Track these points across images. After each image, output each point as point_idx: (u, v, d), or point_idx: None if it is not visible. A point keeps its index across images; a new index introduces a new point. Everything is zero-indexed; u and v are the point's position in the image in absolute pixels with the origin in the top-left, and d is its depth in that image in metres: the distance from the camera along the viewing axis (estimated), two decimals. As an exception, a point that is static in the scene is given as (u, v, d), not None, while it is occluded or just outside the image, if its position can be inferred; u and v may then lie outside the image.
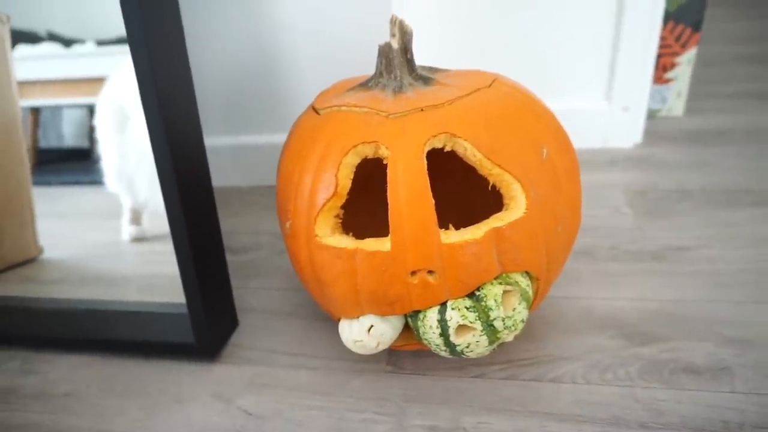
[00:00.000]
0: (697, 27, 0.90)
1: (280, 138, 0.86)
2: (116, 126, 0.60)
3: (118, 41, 0.58)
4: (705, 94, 1.07)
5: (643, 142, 0.90)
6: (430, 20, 0.84)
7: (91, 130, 0.62)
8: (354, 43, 0.78)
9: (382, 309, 0.43)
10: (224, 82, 0.86)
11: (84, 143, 0.63)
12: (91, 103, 0.61)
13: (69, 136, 0.63)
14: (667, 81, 0.95)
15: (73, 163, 0.64)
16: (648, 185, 0.78)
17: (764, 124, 0.93)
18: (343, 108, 0.45)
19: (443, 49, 0.86)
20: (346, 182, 0.43)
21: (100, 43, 0.59)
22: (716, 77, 1.15)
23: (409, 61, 0.47)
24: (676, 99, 0.97)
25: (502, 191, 0.42)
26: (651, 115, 0.98)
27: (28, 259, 0.66)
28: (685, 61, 0.93)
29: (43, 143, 0.64)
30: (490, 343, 0.43)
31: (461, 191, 0.58)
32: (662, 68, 0.94)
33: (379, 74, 0.47)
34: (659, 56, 0.92)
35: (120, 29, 0.55)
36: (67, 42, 0.60)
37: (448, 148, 0.42)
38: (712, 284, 0.59)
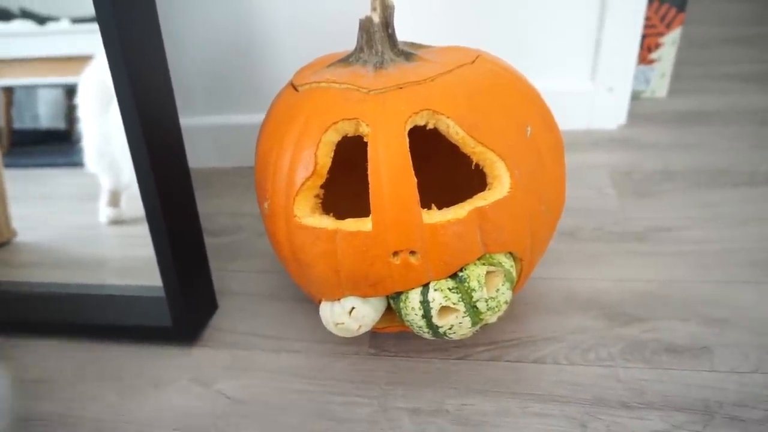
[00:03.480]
0: (681, 7, 0.90)
1: (262, 117, 0.84)
2: (99, 105, 0.58)
3: (94, 19, 0.56)
4: (688, 75, 1.06)
5: (627, 123, 0.89)
6: (414, -3, 0.82)
7: (69, 110, 0.60)
8: (336, 18, 0.76)
9: (364, 290, 0.42)
10: (203, 60, 0.83)
11: (60, 124, 0.61)
12: (66, 82, 0.59)
13: (45, 117, 0.61)
14: (651, 62, 0.94)
15: (48, 145, 0.62)
16: (632, 166, 0.78)
17: (747, 105, 0.93)
18: (323, 84, 0.44)
19: (424, 26, 0.84)
20: (325, 161, 0.41)
21: (75, 20, 0.57)
22: (700, 59, 1.14)
23: (391, 36, 0.45)
24: (659, 80, 0.96)
25: (485, 170, 0.41)
26: (635, 96, 0.98)
27: (1, 243, 0.64)
28: (670, 42, 0.92)
29: (18, 124, 0.62)
30: (473, 324, 0.42)
31: (444, 174, 0.57)
32: (647, 48, 0.93)
33: (359, 49, 0.46)
34: (644, 36, 0.92)
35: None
36: (41, 19, 0.58)
37: (430, 126, 0.41)
38: (695, 265, 0.59)
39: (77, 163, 0.61)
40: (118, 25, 0.43)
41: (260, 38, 0.81)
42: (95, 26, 0.56)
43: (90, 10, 0.55)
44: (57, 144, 0.62)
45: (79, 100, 0.58)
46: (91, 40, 0.57)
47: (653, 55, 0.94)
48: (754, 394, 0.44)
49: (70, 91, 0.60)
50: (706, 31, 1.31)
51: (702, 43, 1.23)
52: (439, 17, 0.83)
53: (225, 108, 0.87)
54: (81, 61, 0.58)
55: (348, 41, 0.75)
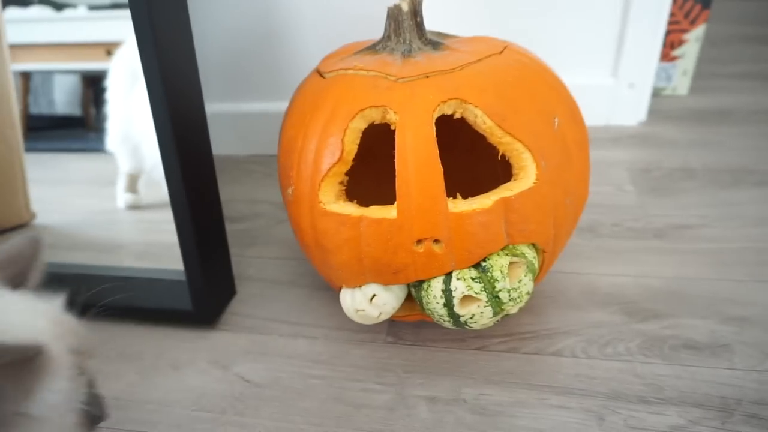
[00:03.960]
0: (707, 3, 0.89)
1: (281, 106, 0.84)
2: (128, 89, 0.58)
3: (111, 6, 0.57)
4: (710, 73, 1.05)
5: (648, 120, 0.89)
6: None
7: (84, 97, 0.61)
8: (360, 7, 0.76)
9: (386, 278, 0.42)
10: (224, 47, 0.84)
11: (76, 111, 0.62)
12: (82, 69, 0.60)
13: (60, 103, 0.62)
14: (674, 59, 0.94)
15: (64, 130, 0.62)
16: (651, 163, 0.78)
17: (769, 105, 0.92)
18: (350, 71, 0.44)
19: (447, 21, 0.83)
20: (352, 147, 0.41)
21: (93, 7, 0.57)
22: (722, 56, 1.13)
23: (419, 25, 0.45)
24: (681, 77, 0.95)
25: (511, 161, 0.41)
26: (656, 92, 0.97)
27: (21, 224, 0.65)
28: (693, 39, 0.91)
29: (34, 110, 0.63)
30: (495, 314, 0.42)
31: (466, 166, 0.57)
32: (669, 45, 0.92)
33: (387, 37, 0.46)
34: (667, 32, 0.91)
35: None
36: (59, 6, 0.58)
37: (457, 115, 0.41)
38: (714, 263, 0.58)
39: (92, 149, 0.61)
40: (150, 13, 0.43)
41: (281, 26, 0.81)
42: (112, 13, 0.56)
43: (106, -4, 0.56)
44: (72, 129, 0.62)
45: (109, 82, 0.59)
46: (107, 27, 0.57)
47: (676, 52, 0.93)
48: (774, 393, 0.44)
49: (86, 77, 0.60)
50: (729, 29, 1.29)
51: (724, 41, 1.22)
52: (461, 12, 0.82)
53: (243, 95, 0.88)
54: (97, 47, 0.59)
55: (371, 30, 0.74)
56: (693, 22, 0.90)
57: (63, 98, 0.62)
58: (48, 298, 0.30)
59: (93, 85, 0.62)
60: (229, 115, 0.88)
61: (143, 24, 0.43)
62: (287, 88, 0.85)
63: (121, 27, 0.57)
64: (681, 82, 0.96)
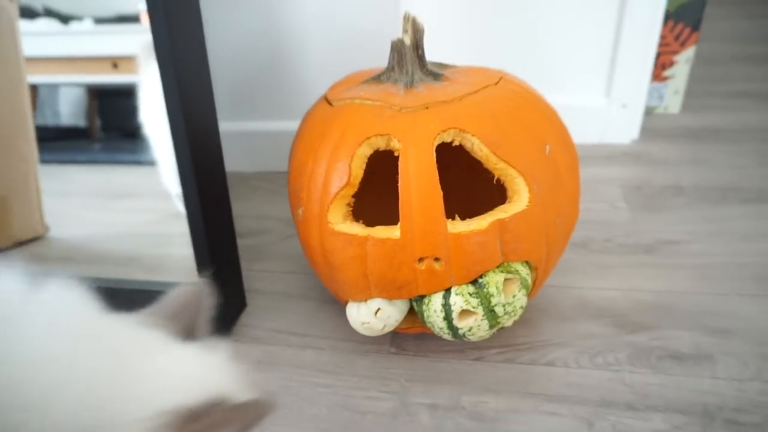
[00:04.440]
0: (696, 26, 0.92)
1: (287, 125, 0.88)
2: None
3: (117, 20, 0.58)
4: (701, 92, 1.09)
5: (640, 139, 0.92)
6: (432, 15, 0.86)
7: (89, 108, 0.61)
8: (363, 35, 0.80)
9: (390, 293, 0.46)
10: (233, 68, 0.87)
11: (81, 122, 0.63)
12: (88, 81, 0.61)
13: (66, 114, 0.63)
14: (665, 79, 0.97)
15: (68, 141, 0.63)
16: (643, 181, 0.81)
17: (758, 123, 0.95)
18: (357, 101, 0.47)
19: (445, 44, 0.87)
20: (358, 172, 0.45)
21: (98, 21, 0.59)
22: (713, 76, 1.17)
23: (420, 57, 0.49)
24: (673, 97, 0.99)
25: (506, 185, 0.45)
26: (648, 111, 1.00)
27: (35, 237, 0.67)
28: (684, 60, 0.95)
29: (40, 120, 0.63)
30: (491, 327, 0.45)
31: (463, 184, 0.60)
32: (661, 66, 0.96)
33: (391, 68, 0.49)
34: (658, 54, 0.95)
35: (119, 7, 0.55)
36: (65, 18, 0.59)
37: (456, 143, 0.44)
38: (701, 277, 0.61)
39: (97, 161, 0.63)
40: (170, 37, 0.46)
41: (289, 50, 0.84)
42: (118, 27, 0.58)
43: (113, 11, 0.58)
44: (76, 141, 0.64)
45: (144, 112, 0.58)
46: (113, 41, 0.58)
47: (667, 73, 0.97)
48: (752, 400, 0.47)
49: (91, 89, 0.61)
50: (719, 49, 1.33)
51: (715, 61, 1.26)
52: (458, 35, 0.86)
53: (251, 114, 0.91)
54: (104, 61, 0.60)
55: (375, 57, 0.78)
56: (683, 44, 0.94)
57: (68, 109, 0.63)
58: (216, 347, 0.29)
59: (98, 96, 0.62)
60: (238, 133, 0.92)
61: (165, 52, 0.46)
62: (293, 108, 0.88)
63: (127, 41, 0.57)
64: (672, 101, 1.00)
